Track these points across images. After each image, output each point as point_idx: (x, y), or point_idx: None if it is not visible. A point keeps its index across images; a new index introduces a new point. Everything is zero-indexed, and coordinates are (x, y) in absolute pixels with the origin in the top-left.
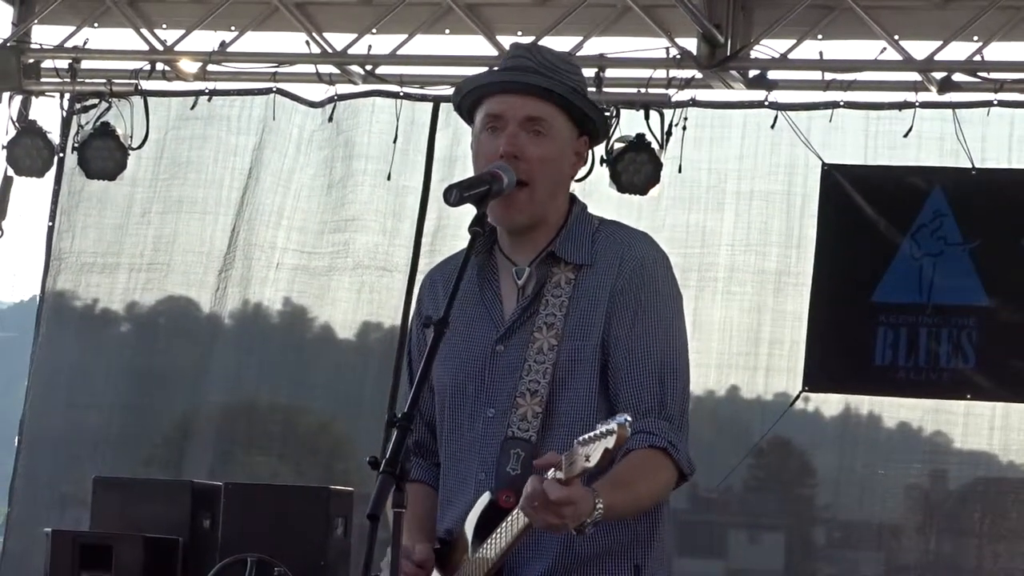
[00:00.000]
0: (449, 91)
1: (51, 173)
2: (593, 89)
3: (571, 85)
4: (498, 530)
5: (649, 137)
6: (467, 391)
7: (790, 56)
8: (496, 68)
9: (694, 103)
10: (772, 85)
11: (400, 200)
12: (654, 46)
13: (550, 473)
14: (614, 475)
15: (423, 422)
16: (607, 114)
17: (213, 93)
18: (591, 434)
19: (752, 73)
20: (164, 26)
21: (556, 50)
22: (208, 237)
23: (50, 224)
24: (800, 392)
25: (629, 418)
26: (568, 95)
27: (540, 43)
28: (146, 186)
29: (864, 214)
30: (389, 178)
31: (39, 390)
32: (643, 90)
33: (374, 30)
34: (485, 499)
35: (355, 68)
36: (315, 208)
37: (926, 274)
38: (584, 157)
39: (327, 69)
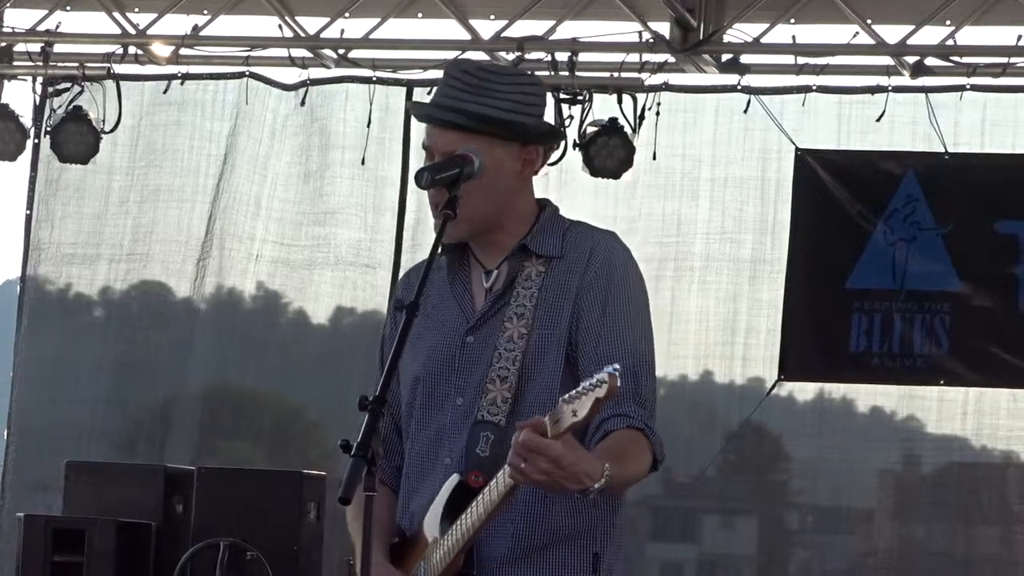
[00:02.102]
0: (422, 75)
1: (25, 158)
2: (566, 73)
3: (504, 106)
4: (474, 503)
5: (622, 121)
6: (436, 381)
7: (763, 40)
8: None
9: (667, 87)
10: (745, 69)
11: (379, 192)
12: (627, 30)
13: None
14: (609, 449)
15: (391, 417)
16: (580, 98)
17: (186, 77)
18: (577, 390)
19: (725, 57)
20: (136, 10)
21: (498, 64)
22: (186, 226)
23: (28, 212)
24: (776, 381)
25: (618, 367)
26: (490, 124)
27: (511, 33)
28: (123, 174)
29: (837, 200)
30: (363, 162)
31: (24, 382)
32: (616, 74)
33: (347, 14)
34: (453, 481)
35: (328, 52)
36: (292, 198)
37: (899, 260)
38: (534, 161)
39: (300, 53)
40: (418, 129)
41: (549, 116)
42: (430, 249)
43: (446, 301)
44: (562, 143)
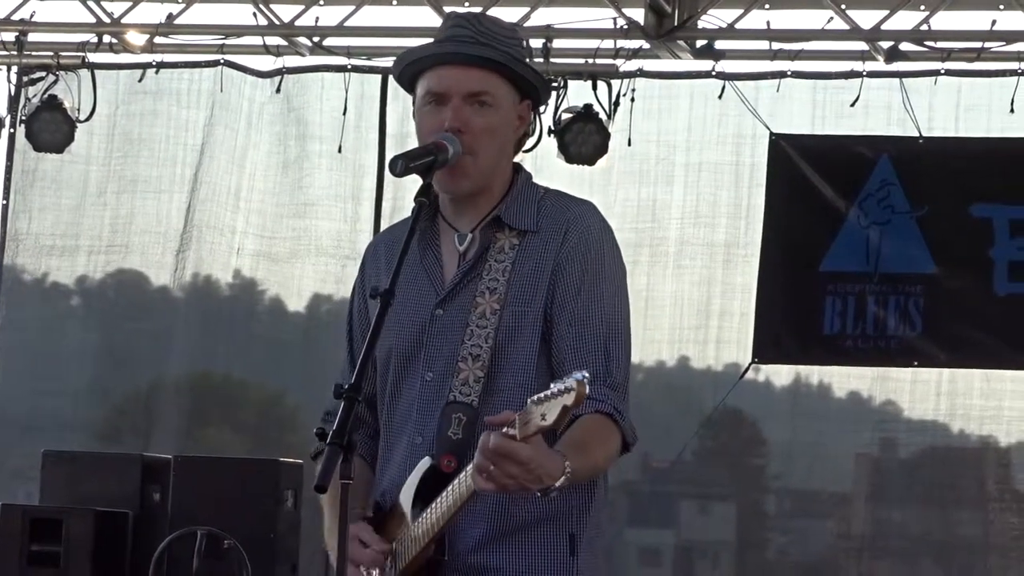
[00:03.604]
0: None
1: (0, 148)
2: (541, 60)
3: (512, 53)
4: (443, 494)
5: (597, 107)
6: (405, 355)
7: (737, 26)
8: (435, 39)
9: (641, 73)
10: (719, 55)
11: (357, 182)
12: (601, 16)
13: (504, 430)
14: (573, 439)
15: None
16: (554, 84)
17: (161, 66)
18: (546, 392)
19: (699, 43)
20: None
21: (493, 16)
22: (164, 216)
23: (3, 202)
24: (750, 364)
25: (587, 375)
26: (510, 63)
27: (476, 11)
28: (100, 164)
29: (811, 183)
30: (340, 150)
31: (3, 372)
32: (591, 61)
33: (321, 1)
34: (425, 464)
35: (302, 40)
36: (271, 189)
37: (873, 243)
38: (526, 120)
39: (274, 41)
40: (394, 117)
41: None
42: (407, 234)
43: (416, 272)
44: (536, 129)
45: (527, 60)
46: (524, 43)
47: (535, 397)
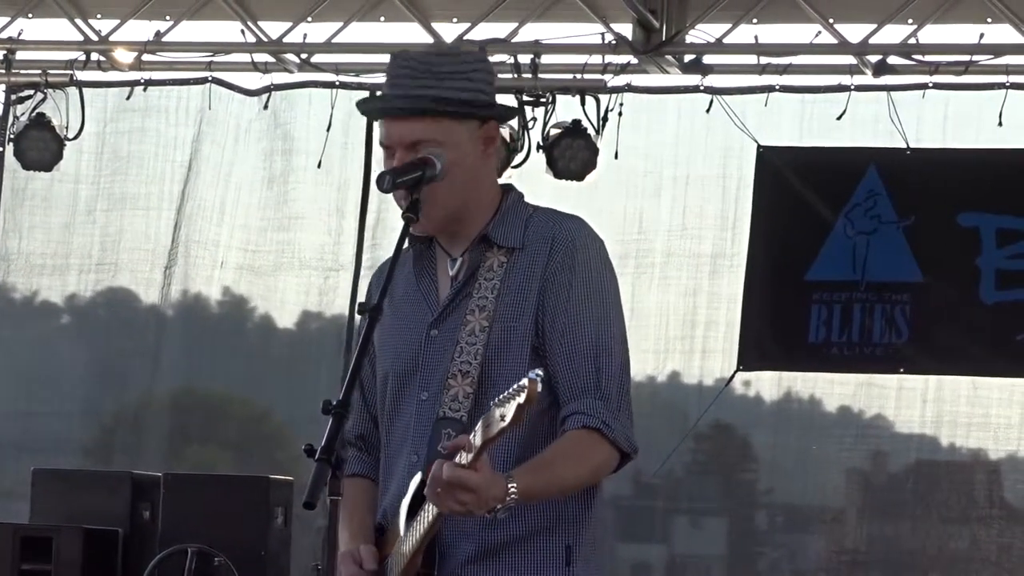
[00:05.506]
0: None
1: None
2: (529, 75)
3: (456, 86)
4: (425, 508)
5: (585, 123)
6: (403, 376)
7: (725, 40)
8: (385, 80)
9: (629, 88)
10: (707, 70)
11: (342, 195)
12: (589, 32)
13: (457, 457)
14: (537, 457)
15: (368, 415)
16: (543, 100)
17: (149, 83)
18: (505, 394)
19: (687, 58)
20: (99, 16)
21: (440, 48)
22: (153, 234)
23: None
24: (735, 371)
25: (540, 373)
26: (441, 108)
27: (457, 38)
28: (89, 182)
29: (798, 194)
30: (319, 165)
31: None
32: (579, 76)
33: (309, 18)
34: (416, 480)
35: (290, 57)
36: (256, 203)
37: (860, 252)
38: (495, 139)
39: (262, 58)
40: (379, 129)
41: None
42: (393, 250)
43: (412, 295)
44: (524, 145)
45: (490, 80)
46: (483, 61)
47: (496, 399)
